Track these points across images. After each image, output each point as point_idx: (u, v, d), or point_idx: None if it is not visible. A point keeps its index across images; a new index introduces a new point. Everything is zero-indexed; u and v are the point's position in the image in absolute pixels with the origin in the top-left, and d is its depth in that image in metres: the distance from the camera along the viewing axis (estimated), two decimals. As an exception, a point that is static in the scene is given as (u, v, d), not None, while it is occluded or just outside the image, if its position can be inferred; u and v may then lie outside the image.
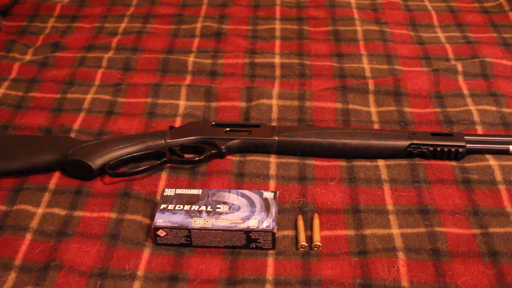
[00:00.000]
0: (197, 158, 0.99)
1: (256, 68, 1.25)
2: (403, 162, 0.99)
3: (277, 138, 1.01)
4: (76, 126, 1.09)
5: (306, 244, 0.86)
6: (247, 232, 0.85)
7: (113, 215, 0.91)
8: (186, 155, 1.01)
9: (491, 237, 0.86)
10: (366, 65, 1.25)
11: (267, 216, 0.87)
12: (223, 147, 1.00)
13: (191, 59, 1.26)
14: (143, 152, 1.00)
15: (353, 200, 0.93)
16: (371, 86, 1.16)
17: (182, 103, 1.14)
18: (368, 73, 1.22)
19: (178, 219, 0.86)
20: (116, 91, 1.18)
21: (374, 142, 1.00)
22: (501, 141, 1.01)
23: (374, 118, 1.10)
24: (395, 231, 0.88)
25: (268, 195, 0.90)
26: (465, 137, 1.00)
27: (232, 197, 0.90)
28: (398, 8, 1.45)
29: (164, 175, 0.99)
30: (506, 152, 1.00)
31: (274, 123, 1.09)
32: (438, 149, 0.99)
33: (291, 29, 1.38)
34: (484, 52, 1.27)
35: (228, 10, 1.45)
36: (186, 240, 0.86)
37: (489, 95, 1.14)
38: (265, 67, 1.25)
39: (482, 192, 0.93)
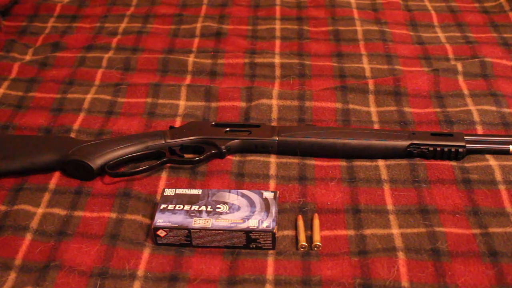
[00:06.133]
0: (197, 158, 0.99)
1: (256, 68, 1.25)
2: (403, 162, 0.99)
3: (277, 138, 1.01)
4: (76, 126, 1.09)
5: (306, 244, 0.86)
6: (247, 232, 0.85)
7: (113, 215, 0.91)
8: (186, 155, 1.01)
9: (491, 237, 0.86)
10: (366, 65, 1.25)
11: (267, 216, 0.87)
12: (223, 147, 1.00)
13: (191, 59, 1.26)
14: (143, 152, 1.00)
15: (353, 200, 0.93)
16: (371, 86, 1.16)
17: (182, 103, 1.14)
18: (368, 73, 1.22)
19: (178, 219, 0.86)
20: (116, 91, 1.18)
21: (374, 142, 1.00)
22: (501, 141, 1.01)
23: (374, 118, 1.10)
24: (395, 231, 0.88)
25: (268, 195, 0.90)
26: (465, 137, 1.00)
27: (232, 197, 0.90)
28: (398, 8, 1.45)
29: (164, 175, 0.99)
30: (506, 152, 1.00)
31: (274, 123, 1.09)
32: (438, 149, 0.99)
33: (291, 29, 1.38)
34: (484, 52, 1.27)
35: (228, 10, 1.45)
36: (186, 240, 0.86)
37: (489, 95, 1.14)
38: (265, 67, 1.25)
39: (482, 192, 0.93)
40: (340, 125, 1.09)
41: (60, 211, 0.92)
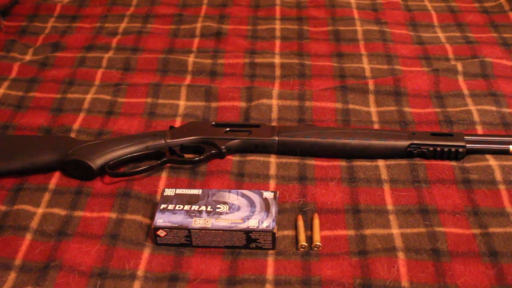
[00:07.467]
0: (197, 158, 0.99)
1: (256, 68, 1.25)
2: (403, 162, 0.99)
3: (277, 138, 1.01)
4: (76, 126, 1.09)
5: (306, 244, 0.86)
6: (247, 232, 0.85)
7: (113, 215, 0.91)
8: (186, 155, 1.01)
9: (491, 237, 0.86)
10: (366, 65, 1.25)
11: (267, 216, 0.87)
12: (223, 147, 1.00)
13: (191, 59, 1.26)
14: (143, 152, 1.00)
15: (353, 200, 0.93)
16: (371, 86, 1.16)
17: (182, 103, 1.14)
18: (368, 73, 1.22)
19: (178, 219, 0.86)
20: (116, 91, 1.18)
21: (374, 142, 1.00)
22: (501, 141, 1.01)
23: (374, 118, 1.10)
24: (395, 231, 0.88)
25: (268, 195, 0.90)
26: (465, 137, 1.00)
27: (232, 197, 0.90)
28: (398, 8, 1.45)
29: (164, 175, 0.99)
30: (506, 152, 1.00)
31: (274, 123, 1.09)
32: (438, 149, 0.99)
33: (291, 29, 1.38)
34: (484, 52, 1.27)
35: (228, 10, 1.45)
36: (186, 240, 0.86)
37: (489, 95, 1.14)
38: (265, 67, 1.25)
39: (482, 192, 0.93)
40: (340, 125, 1.09)
41: (60, 211, 0.92)
